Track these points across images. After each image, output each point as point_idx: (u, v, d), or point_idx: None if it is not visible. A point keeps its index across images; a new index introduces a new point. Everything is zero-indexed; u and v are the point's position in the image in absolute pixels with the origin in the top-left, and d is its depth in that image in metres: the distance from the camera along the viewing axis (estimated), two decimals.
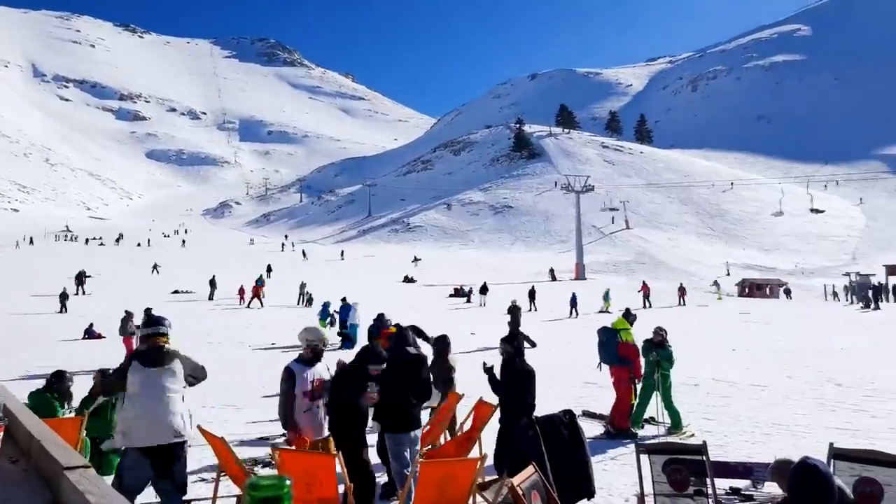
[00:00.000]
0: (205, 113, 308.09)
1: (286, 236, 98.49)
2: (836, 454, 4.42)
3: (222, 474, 5.61)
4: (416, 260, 62.43)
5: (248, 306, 30.11)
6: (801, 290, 48.62)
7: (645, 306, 32.14)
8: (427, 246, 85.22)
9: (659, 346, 9.08)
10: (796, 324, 25.56)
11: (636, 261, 64.91)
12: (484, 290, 34.28)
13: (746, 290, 47.89)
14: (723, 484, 5.88)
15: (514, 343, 7.03)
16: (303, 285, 32.50)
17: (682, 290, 36.08)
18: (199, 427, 6.57)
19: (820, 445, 6.80)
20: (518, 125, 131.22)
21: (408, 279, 46.99)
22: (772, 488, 6.09)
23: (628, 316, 10.08)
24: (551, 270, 52.20)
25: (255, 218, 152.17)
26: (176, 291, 35.29)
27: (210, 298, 32.72)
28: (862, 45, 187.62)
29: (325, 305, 23.27)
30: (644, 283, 36.52)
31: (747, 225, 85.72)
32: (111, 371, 5.94)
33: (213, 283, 33.94)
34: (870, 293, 34.16)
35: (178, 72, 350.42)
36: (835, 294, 44.84)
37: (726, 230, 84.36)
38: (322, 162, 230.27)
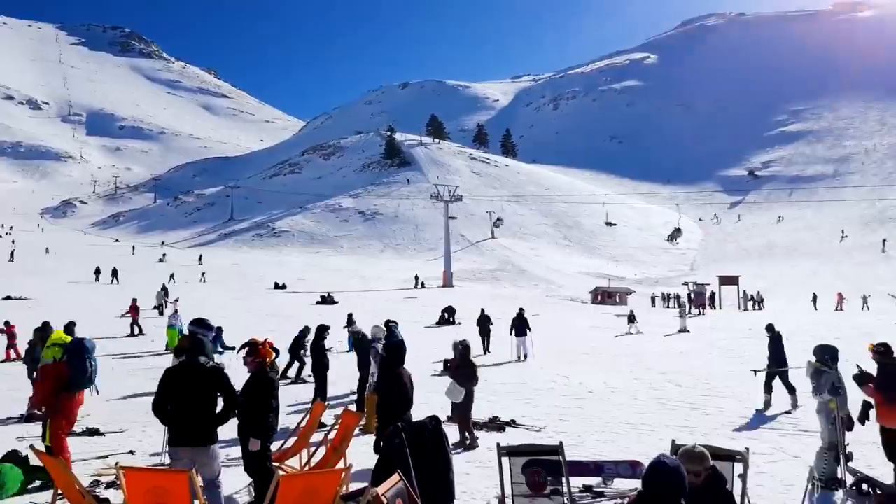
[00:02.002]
0: (47, 103, 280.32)
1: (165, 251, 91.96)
2: (678, 450, 4.79)
3: (59, 497, 5.09)
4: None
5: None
6: (647, 298, 52.50)
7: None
8: (294, 252, 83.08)
9: None
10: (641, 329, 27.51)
11: (500, 269, 67.15)
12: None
13: (599, 297, 51.16)
14: (577, 482, 6.19)
15: (392, 349, 7.04)
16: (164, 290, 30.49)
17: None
18: (31, 447, 5.94)
19: (662, 442, 7.36)
20: (389, 133, 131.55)
21: (278, 286, 45.61)
22: (620, 484, 6.51)
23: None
24: (416, 277, 52.60)
25: (102, 219, 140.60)
26: (8, 298, 31.77)
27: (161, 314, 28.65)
28: (701, 76, 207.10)
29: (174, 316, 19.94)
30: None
31: (600, 236, 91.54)
32: None
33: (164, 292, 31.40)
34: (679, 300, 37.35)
35: (16, 56, 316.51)
36: (667, 299, 49.00)
37: (581, 241, 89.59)
38: (180, 161, 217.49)
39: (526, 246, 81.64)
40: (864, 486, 6.49)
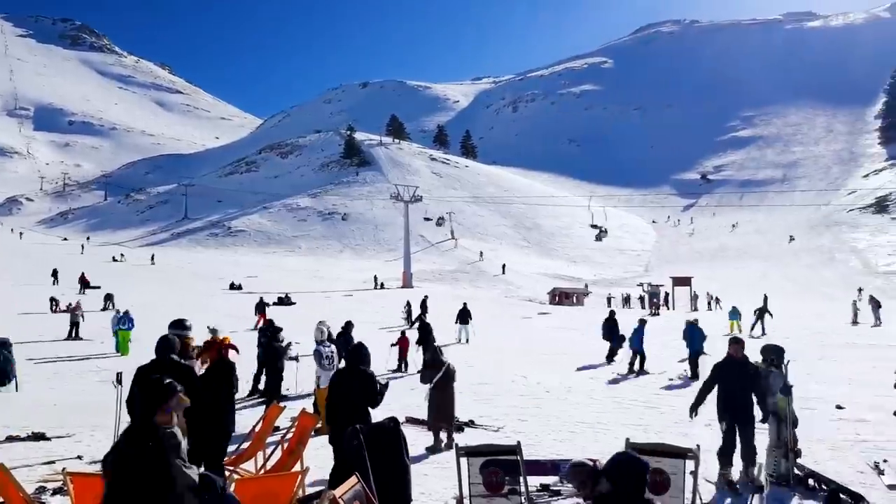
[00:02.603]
0: None
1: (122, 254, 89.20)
2: (632, 448, 4.87)
3: None
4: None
5: None
6: (603, 298, 53.36)
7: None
8: (250, 252, 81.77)
9: None
10: (597, 329, 27.87)
11: (460, 270, 67.35)
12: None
13: (556, 297, 51.84)
14: (534, 481, 6.23)
15: (356, 351, 6.95)
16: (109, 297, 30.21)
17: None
18: None
19: (618, 441, 7.46)
20: (349, 132, 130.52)
21: (234, 286, 44.79)
22: None
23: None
24: (375, 278, 52.42)
25: (49, 216, 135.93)
26: None
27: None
28: (657, 81, 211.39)
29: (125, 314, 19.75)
30: None
31: (558, 238, 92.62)
32: None
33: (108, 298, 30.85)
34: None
35: None
36: (627, 301, 49.98)
37: (540, 242, 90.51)
38: (132, 157, 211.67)
39: (485, 247, 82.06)
40: (811, 482, 6.70)
